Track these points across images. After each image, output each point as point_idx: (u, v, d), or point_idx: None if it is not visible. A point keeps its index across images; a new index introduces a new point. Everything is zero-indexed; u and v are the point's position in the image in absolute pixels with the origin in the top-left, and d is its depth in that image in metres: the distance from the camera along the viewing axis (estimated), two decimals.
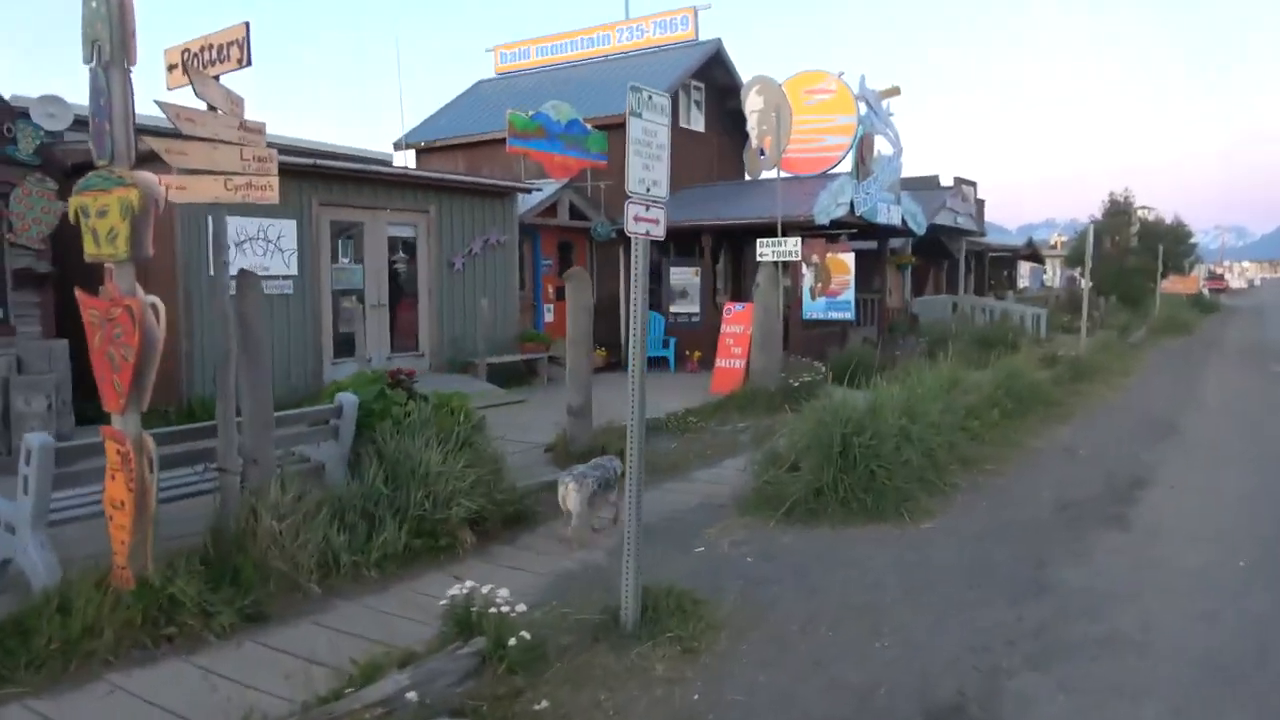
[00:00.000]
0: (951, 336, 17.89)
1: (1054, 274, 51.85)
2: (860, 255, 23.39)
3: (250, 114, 5.11)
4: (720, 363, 13.01)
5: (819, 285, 14.77)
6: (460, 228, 12.90)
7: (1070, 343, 19.91)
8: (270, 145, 5.34)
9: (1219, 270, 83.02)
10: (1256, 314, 39.75)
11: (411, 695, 3.01)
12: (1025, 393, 10.55)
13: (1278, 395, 12.66)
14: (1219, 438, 9.42)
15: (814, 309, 14.84)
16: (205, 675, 3.90)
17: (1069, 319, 26.03)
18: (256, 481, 5.11)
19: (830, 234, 15.44)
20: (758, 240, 12.58)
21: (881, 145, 16.71)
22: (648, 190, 4.39)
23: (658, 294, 16.94)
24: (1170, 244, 39.89)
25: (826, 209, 14.30)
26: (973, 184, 36.16)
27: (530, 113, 14.62)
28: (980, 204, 37.52)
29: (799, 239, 12.22)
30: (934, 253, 28.13)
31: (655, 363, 15.80)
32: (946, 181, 32.87)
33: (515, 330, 13.72)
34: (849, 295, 14.57)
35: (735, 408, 11.78)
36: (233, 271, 5.19)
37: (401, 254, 12.43)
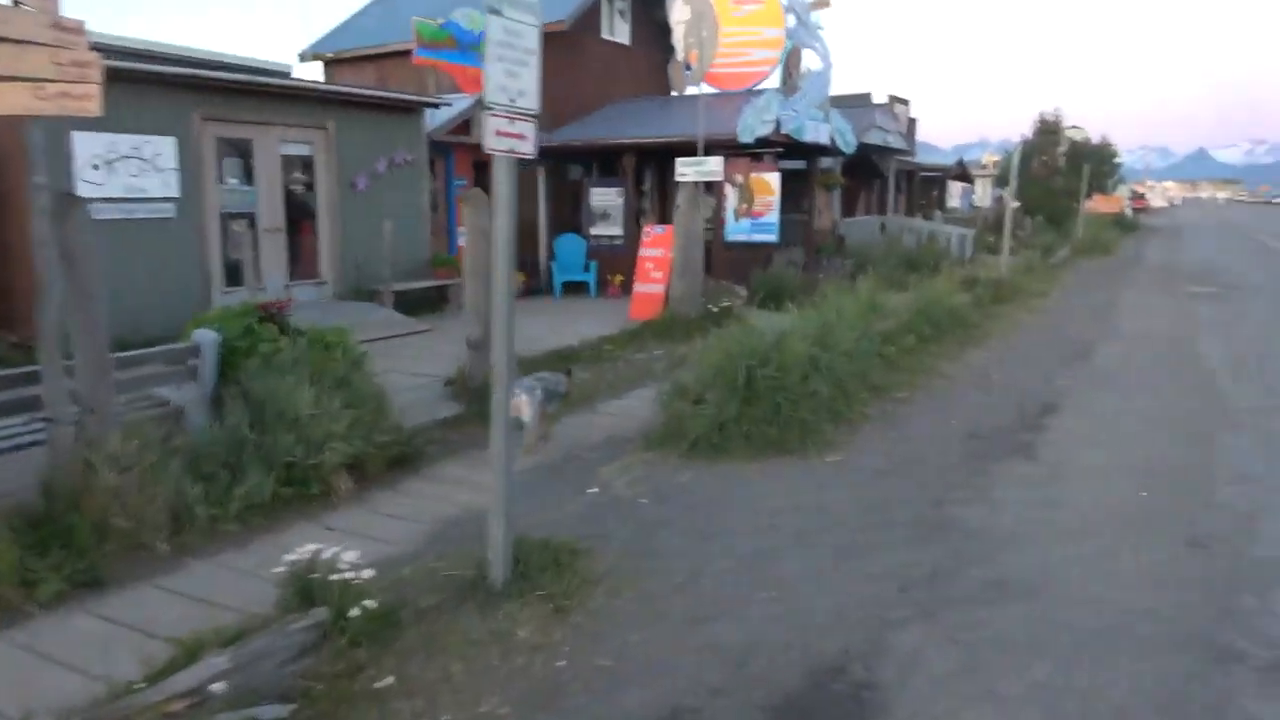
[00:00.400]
0: (878, 259, 17.78)
1: (984, 194, 52.30)
2: (788, 175, 22.99)
3: (81, 13, 4.42)
4: (639, 287, 12.63)
5: (743, 206, 14.38)
6: (362, 146, 12.11)
7: (994, 264, 20.02)
8: (120, 50, 4.67)
9: (1142, 190, 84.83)
10: (1174, 234, 40.69)
11: (218, 687, 2.64)
12: (943, 317, 10.42)
13: (1189, 317, 12.80)
14: (1130, 361, 9.42)
15: (737, 231, 14.47)
16: (10, 653, 3.47)
17: (995, 240, 26.19)
18: (95, 431, 4.61)
19: (756, 153, 14.98)
20: (677, 160, 12.10)
21: (810, 60, 16.21)
22: (511, 101, 3.90)
23: (578, 215, 16.37)
24: (1096, 164, 40.38)
25: (751, 127, 13.81)
26: (905, 102, 35.80)
27: (440, 21, 13.72)
28: (912, 123, 37.26)
29: (721, 158, 11.78)
30: (864, 172, 27.90)
31: (576, 287, 15.35)
32: (879, 99, 32.54)
33: (426, 255, 13.09)
34: (773, 216, 14.21)
35: (653, 334, 11.46)
36: (99, 193, 4.57)
37: (298, 174, 11.62)
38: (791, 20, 15.00)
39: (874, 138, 20.64)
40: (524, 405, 6.07)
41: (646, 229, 12.78)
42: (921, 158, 43.86)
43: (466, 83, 14.23)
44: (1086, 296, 15.09)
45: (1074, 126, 41.93)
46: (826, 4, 16.14)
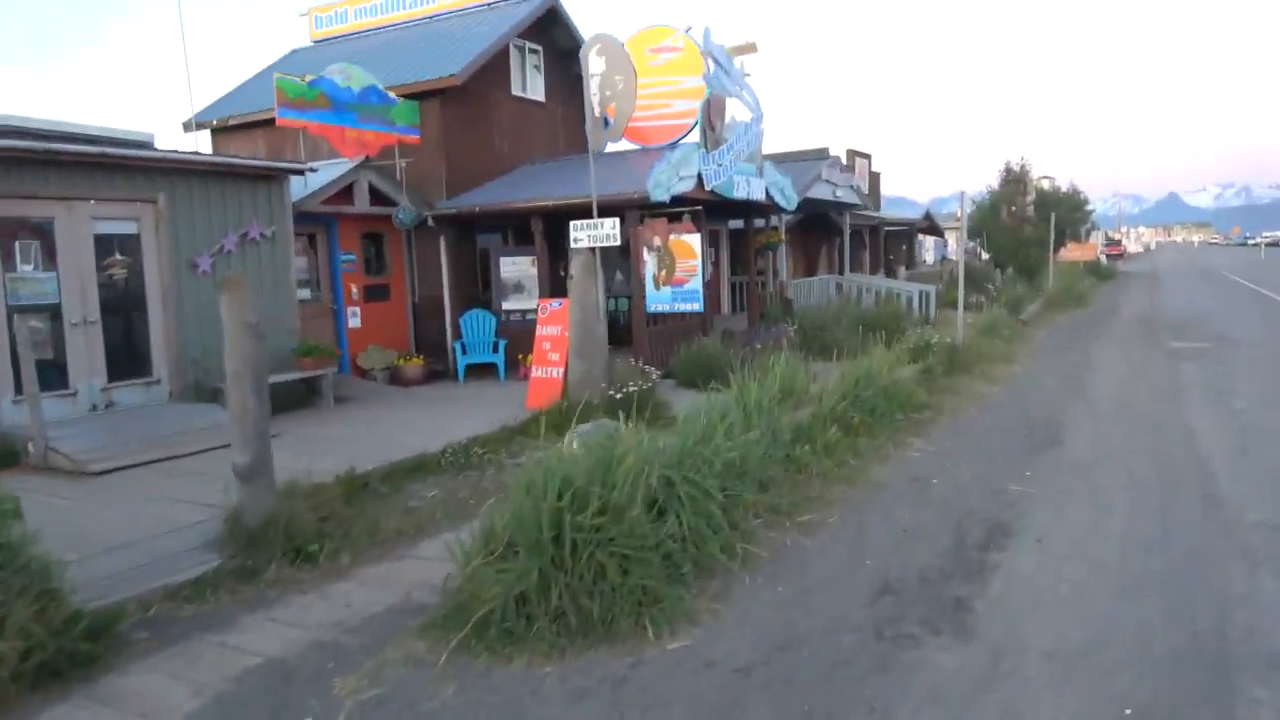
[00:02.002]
0: (827, 323, 16.10)
1: (958, 247, 51.19)
2: (733, 236, 21.53)
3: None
4: (536, 371, 10.84)
5: (662, 273, 12.69)
6: (206, 219, 10.38)
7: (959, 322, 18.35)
8: None
9: (1116, 236, 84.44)
10: (1152, 279, 39.44)
11: None
12: (880, 398, 8.64)
13: (1175, 380, 11.06)
14: (1108, 449, 7.62)
15: (659, 300, 12.76)
16: None
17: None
18: None
19: (676, 213, 13.35)
20: (571, 223, 10.44)
21: (738, 110, 14.72)
22: None
23: (487, 288, 14.65)
24: (1066, 212, 39.28)
25: (665, 183, 12.20)
26: (867, 156, 34.74)
27: (308, 78, 12.17)
28: (875, 176, 36.17)
29: (616, 220, 10.13)
30: (823, 229, 26.49)
31: (483, 370, 13.55)
32: (837, 154, 31.35)
33: (292, 343, 11.28)
34: (696, 284, 12.52)
35: (545, 428, 9.66)
36: None
37: (119, 255, 9.85)
38: (710, 65, 13.51)
39: (821, 192, 19.15)
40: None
41: (542, 304, 11.04)
42: (896, 212, 42.80)
43: (345, 146, 12.66)
44: (1057, 359, 13.36)
45: (1045, 177, 40.98)
46: (753, 49, 14.72)
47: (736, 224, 20.07)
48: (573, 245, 10.35)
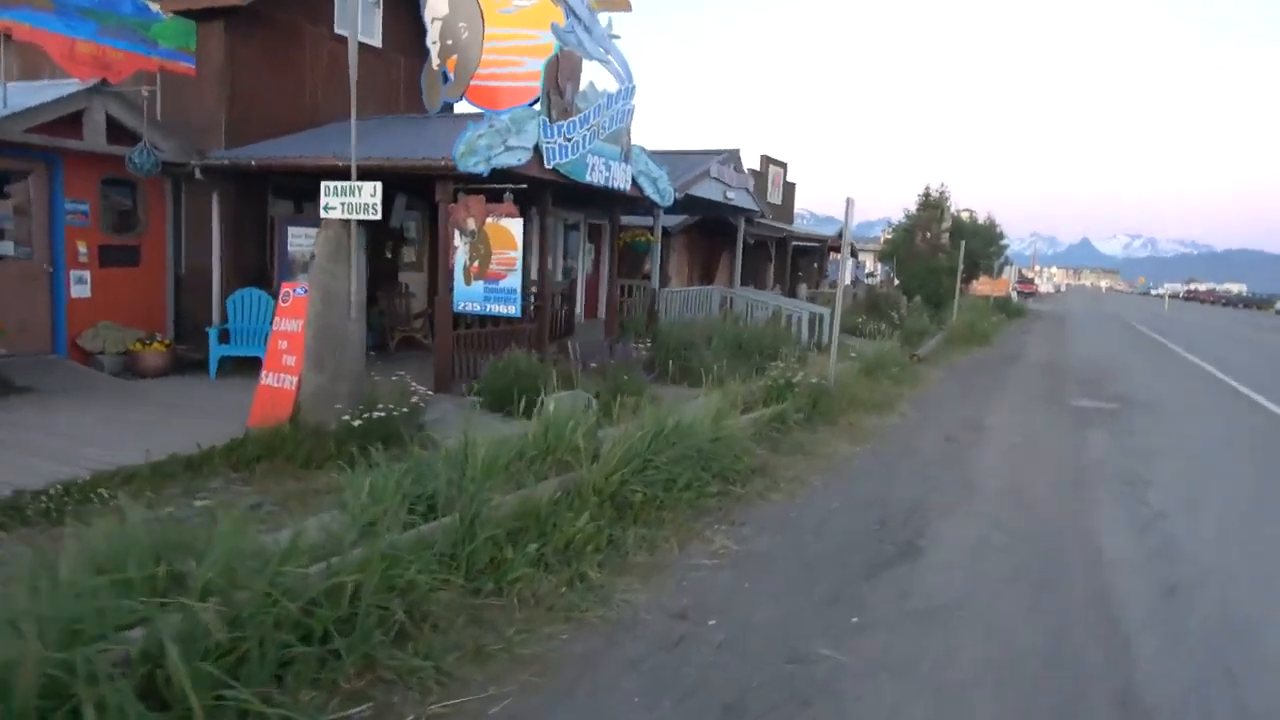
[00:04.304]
0: (694, 342, 13.75)
1: (876, 269, 49.95)
2: (595, 230, 19.08)
3: None
4: (266, 378, 8.12)
5: (475, 265, 10.10)
6: None
7: (859, 347, 16.25)
8: None
9: (1030, 274, 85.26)
10: (1059, 322, 38.56)
11: None
12: (689, 462, 6.22)
13: (1079, 457, 8.97)
14: (979, 576, 5.30)
15: (468, 297, 10.15)
16: None
17: (862, 320, 22.72)
18: None
19: (498, 190, 10.72)
20: (322, 184, 7.77)
21: (601, 78, 12.24)
22: None
23: (268, 264, 11.83)
24: (981, 244, 38.10)
25: (483, 151, 9.60)
26: (782, 165, 32.76)
27: None
28: (791, 187, 34.25)
29: (376, 185, 7.49)
30: (725, 236, 24.25)
31: (253, 365, 10.72)
32: (752, 162, 29.19)
33: None
34: (514, 280, 9.95)
35: (249, 460, 7.02)
36: None
37: None
38: (563, 18, 10.99)
39: (708, 190, 16.81)
40: None
41: (285, 288, 8.32)
42: (821, 230, 41.05)
43: (73, 63, 9.68)
44: (945, 412, 11.22)
45: (965, 209, 39.73)
46: (625, 5, 12.24)
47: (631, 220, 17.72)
48: (322, 212, 7.68)
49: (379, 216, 7.56)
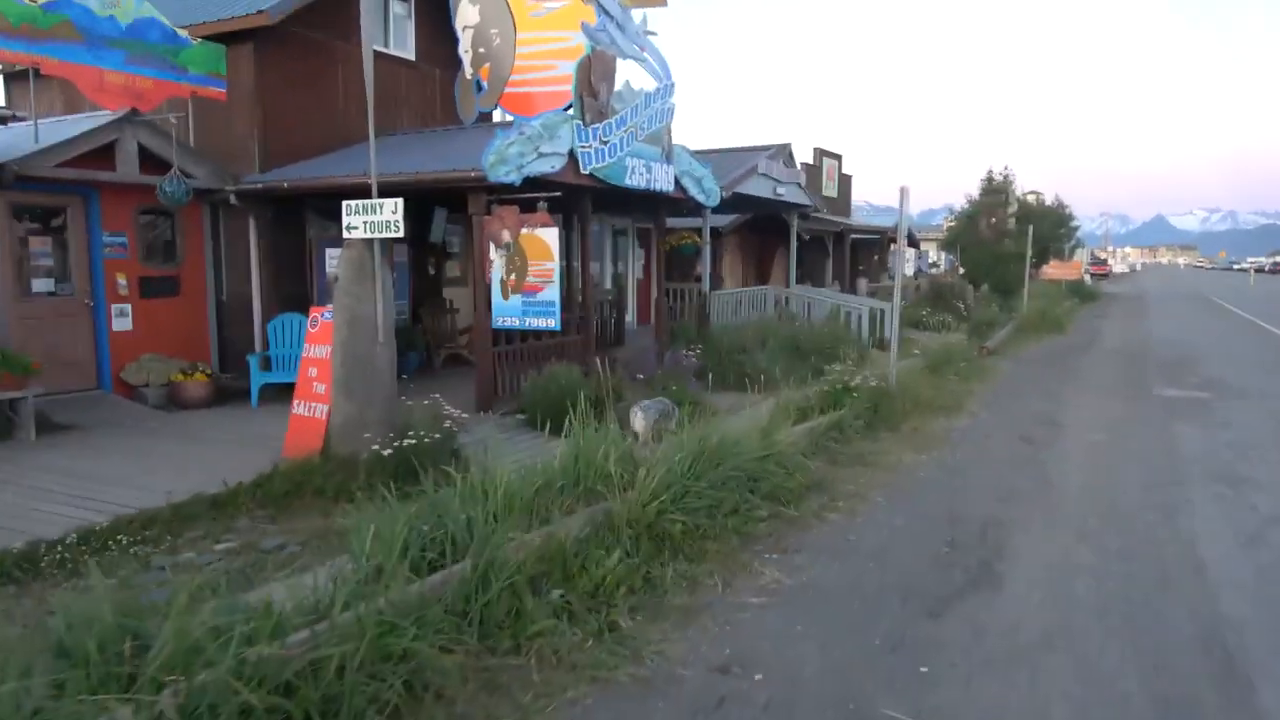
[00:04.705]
0: (747, 346, 13.21)
1: (940, 258, 48.52)
2: (644, 234, 18.60)
3: None
4: (297, 407, 7.86)
5: (512, 278, 9.73)
6: None
7: (923, 342, 15.51)
8: None
9: (1102, 256, 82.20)
10: (1138, 302, 36.81)
11: None
12: (736, 483, 5.71)
13: (1170, 455, 8.19)
14: (1068, 606, 4.67)
15: (507, 312, 9.79)
16: None
17: (927, 313, 21.83)
18: None
19: (532, 199, 10.35)
20: (343, 203, 7.46)
21: (638, 77, 11.80)
22: None
23: (308, 288, 11.66)
24: (1050, 227, 36.61)
25: (514, 160, 9.23)
26: (837, 157, 31.88)
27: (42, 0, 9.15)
28: (847, 179, 33.30)
29: (398, 202, 7.14)
30: (778, 234, 23.58)
31: (291, 391, 10.53)
32: (805, 156, 28.44)
33: None
34: (552, 292, 9.55)
35: (284, 494, 6.76)
36: None
37: None
38: (594, 17, 10.57)
39: (757, 188, 16.21)
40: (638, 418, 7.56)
41: (313, 313, 8.05)
42: (860, 219, 39.96)
43: (103, 94, 9.63)
44: (1018, 409, 10.45)
45: (1031, 192, 38.22)
46: (660, 1, 11.77)
47: (673, 222, 17.24)
48: (345, 232, 7.38)
49: (401, 234, 7.22)
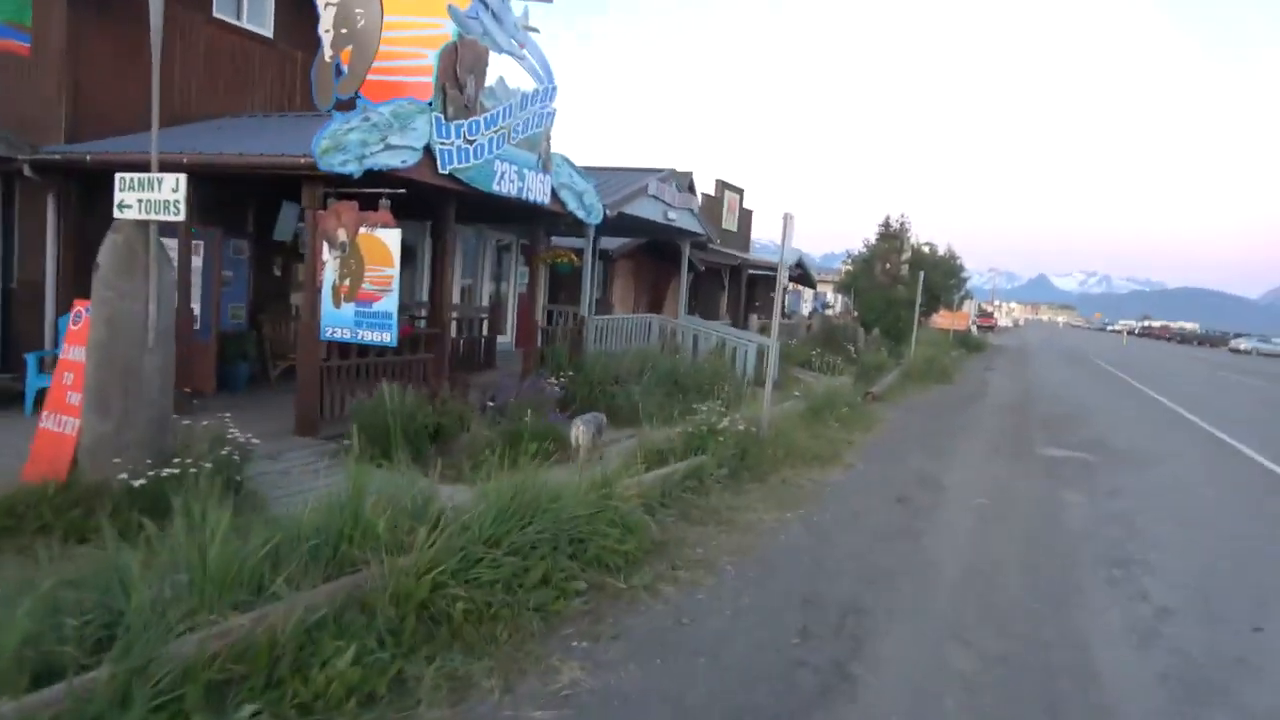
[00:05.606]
0: (622, 377, 12.23)
1: (836, 300, 49.01)
2: (529, 251, 17.58)
3: None
4: (46, 421, 6.42)
5: (346, 284, 8.47)
6: None
7: (809, 383, 14.82)
8: None
9: (989, 309, 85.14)
10: (1022, 357, 37.64)
11: None
12: (549, 546, 4.63)
13: (1057, 526, 7.53)
14: (939, 713, 3.79)
15: (337, 322, 8.51)
16: None
17: (817, 353, 21.36)
18: None
19: (373, 194, 9.14)
20: (116, 176, 6.13)
21: (515, 76, 10.77)
22: None
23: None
24: (942, 276, 37.09)
25: (354, 149, 8.03)
26: (739, 190, 31.52)
27: None
28: (748, 214, 32.96)
29: (181, 178, 5.88)
30: (675, 262, 22.82)
31: None
32: (706, 187, 27.88)
33: None
34: (389, 303, 8.34)
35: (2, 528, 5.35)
36: None
37: None
38: (466, 1, 9.50)
39: (646, 210, 15.34)
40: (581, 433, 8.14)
41: (76, 308, 6.64)
42: (760, 255, 39.74)
43: None
44: (895, 466, 9.72)
45: (925, 243, 38.77)
46: None
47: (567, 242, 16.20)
48: (117, 210, 6.04)
49: (182, 216, 5.94)
